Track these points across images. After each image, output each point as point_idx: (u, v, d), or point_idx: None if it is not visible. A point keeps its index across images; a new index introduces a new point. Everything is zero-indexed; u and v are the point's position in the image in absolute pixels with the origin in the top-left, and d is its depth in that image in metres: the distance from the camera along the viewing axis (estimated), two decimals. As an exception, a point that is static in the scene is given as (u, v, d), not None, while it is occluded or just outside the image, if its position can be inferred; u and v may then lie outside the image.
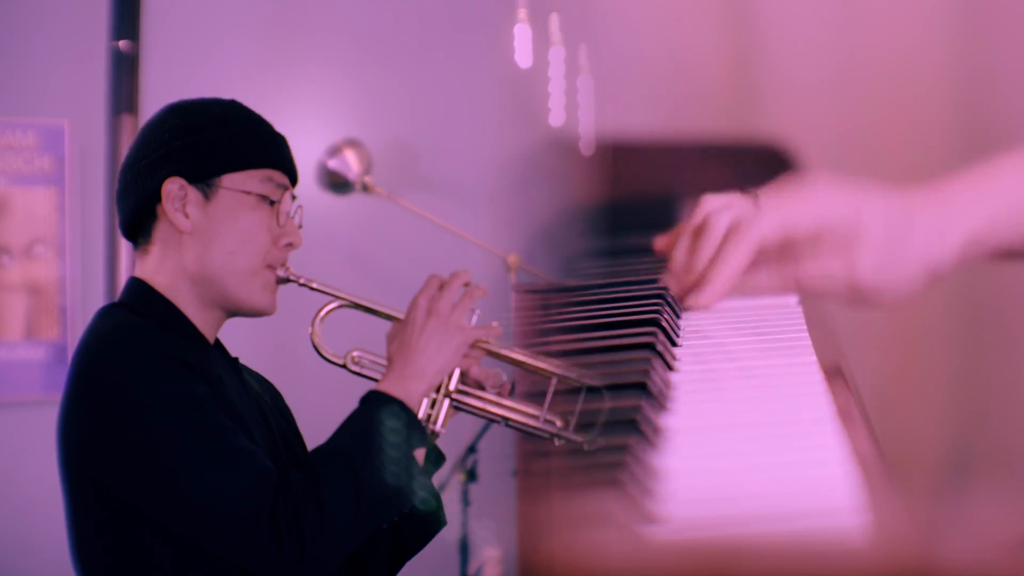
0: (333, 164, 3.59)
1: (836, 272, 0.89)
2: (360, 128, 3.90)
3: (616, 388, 0.74)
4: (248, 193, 1.70)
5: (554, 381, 1.66)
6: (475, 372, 1.71)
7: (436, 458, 1.77)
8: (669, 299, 1.06)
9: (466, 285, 1.72)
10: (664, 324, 0.86)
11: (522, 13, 3.44)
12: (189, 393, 1.58)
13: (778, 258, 0.91)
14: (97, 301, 3.66)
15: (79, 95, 3.67)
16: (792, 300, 0.99)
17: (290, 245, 1.73)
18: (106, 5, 3.20)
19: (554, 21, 3.57)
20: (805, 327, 0.93)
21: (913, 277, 0.90)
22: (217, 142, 1.71)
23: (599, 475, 0.60)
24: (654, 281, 1.18)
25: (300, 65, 3.97)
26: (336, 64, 4.02)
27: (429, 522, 1.81)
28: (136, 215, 1.73)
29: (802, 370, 0.76)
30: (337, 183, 3.58)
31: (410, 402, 1.66)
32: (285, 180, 1.75)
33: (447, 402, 1.69)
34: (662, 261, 1.17)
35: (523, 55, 3.48)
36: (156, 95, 3.15)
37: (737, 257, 0.90)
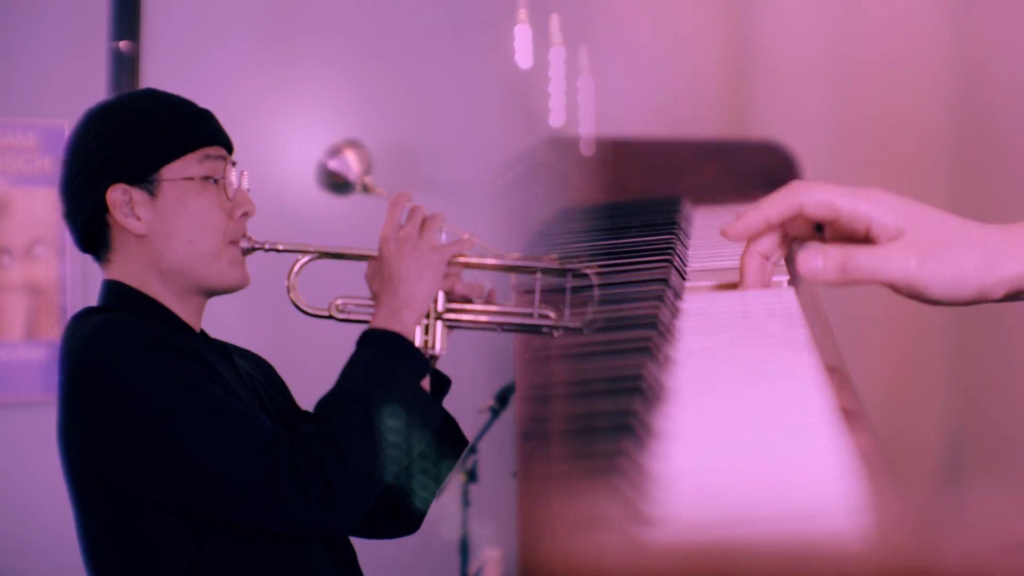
0: (333, 164, 3.59)
1: (884, 264, 0.90)
2: (360, 128, 3.91)
3: (613, 390, 0.74)
4: (191, 179, 1.70)
5: (539, 275, 1.68)
6: (459, 288, 1.72)
7: (441, 383, 1.77)
8: (666, 299, 1.06)
9: (423, 216, 1.73)
10: (663, 325, 0.86)
11: (522, 13, 3.44)
12: (183, 373, 1.58)
13: (835, 245, 0.92)
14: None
15: (79, 96, 3.67)
16: (791, 299, 0.99)
17: (245, 215, 1.74)
18: (106, 6, 3.20)
19: (554, 21, 3.57)
20: (804, 326, 0.93)
21: (960, 284, 0.91)
22: (147, 137, 1.70)
23: (599, 476, 0.60)
24: (651, 281, 1.18)
25: (300, 65, 3.97)
26: (336, 64, 4.02)
27: (450, 435, 1.81)
28: (88, 230, 1.72)
29: (801, 369, 0.76)
30: (337, 183, 3.58)
31: (406, 332, 1.67)
32: (222, 151, 1.75)
33: (439, 324, 1.70)
34: (660, 261, 1.17)
35: (523, 55, 3.48)
36: (156, 95, 3.15)
37: (771, 203, 0.94)
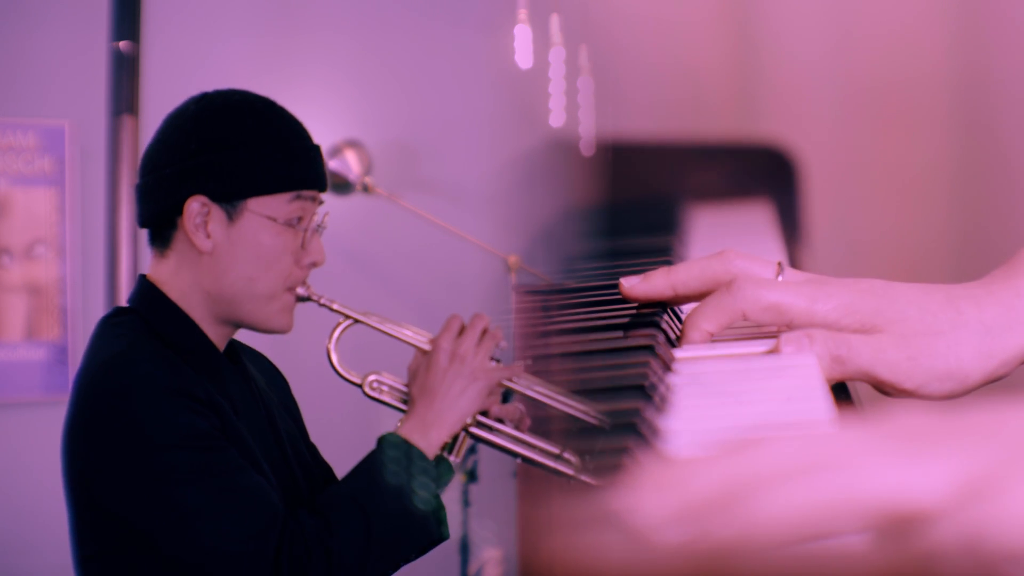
0: (334, 165, 3.59)
1: (879, 357, 0.76)
2: (360, 129, 3.91)
3: (615, 390, 0.74)
4: (274, 219, 1.66)
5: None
6: (495, 410, 1.70)
7: (447, 473, 1.75)
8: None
9: (484, 330, 1.70)
10: (664, 326, 0.86)
11: (522, 14, 3.44)
12: (197, 430, 1.54)
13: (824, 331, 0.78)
14: (98, 302, 3.66)
15: (79, 96, 3.68)
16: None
17: (313, 264, 1.70)
18: (106, 6, 3.20)
19: (554, 22, 3.57)
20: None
21: (960, 379, 0.77)
22: (247, 162, 1.64)
23: (599, 476, 0.60)
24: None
25: (300, 65, 3.97)
26: (336, 64, 4.02)
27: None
28: (156, 222, 1.68)
29: (801, 369, 0.76)
30: (337, 184, 3.58)
31: (430, 450, 1.65)
32: (314, 194, 1.71)
33: (463, 435, 1.69)
34: (663, 261, 1.17)
35: (523, 55, 3.48)
36: (156, 96, 3.15)
37: (707, 312, 0.80)
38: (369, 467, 1.65)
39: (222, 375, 1.66)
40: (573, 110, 3.58)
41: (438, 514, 1.69)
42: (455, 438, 1.69)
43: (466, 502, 3.33)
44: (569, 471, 1.62)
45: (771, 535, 0.43)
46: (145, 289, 1.68)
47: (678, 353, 0.82)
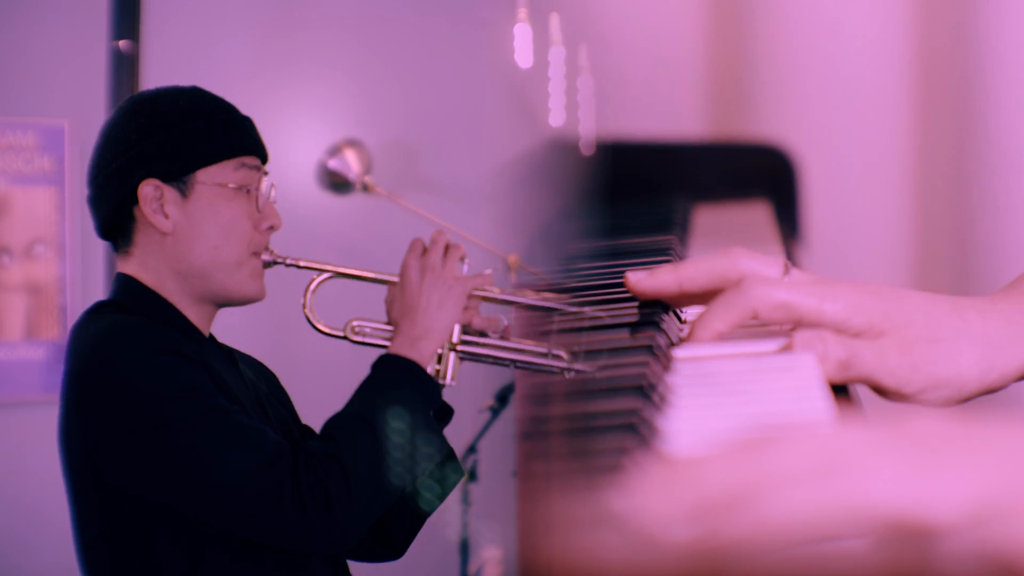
0: (333, 164, 3.59)
1: (881, 364, 0.76)
2: (360, 128, 3.91)
3: (616, 390, 0.74)
4: (225, 186, 1.69)
5: (556, 317, 1.69)
6: (476, 322, 1.72)
7: (444, 411, 1.77)
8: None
9: (447, 245, 1.73)
10: (664, 326, 0.86)
11: (522, 13, 3.44)
12: (190, 382, 1.57)
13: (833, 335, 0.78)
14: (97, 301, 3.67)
15: (79, 95, 3.68)
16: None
17: (272, 228, 1.73)
18: (106, 5, 3.20)
19: (554, 21, 3.57)
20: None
21: (959, 386, 0.77)
22: (188, 137, 1.69)
23: (599, 476, 0.60)
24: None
25: (300, 64, 3.97)
26: (336, 64, 4.02)
27: (447, 478, 1.81)
28: (113, 219, 1.71)
29: (801, 370, 0.76)
30: (337, 183, 3.58)
31: (422, 361, 1.67)
32: (257, 161, 1.75)
33: (452, 355, 1.70)
34: (663, 261, 1.17)
35: (523, 55, 3.48)
36: (156, 95, 3.15)
37: (718, 310, 0.80)
38: (367, 387, 1.67)
39: (209, 355, 1.67)
40: (573, 109, 3.58)
41: (440, 425, 1.71)
42: (443, 361, 1.70)
43: (466, 502, 3.33)
44: (563, 364, 1.65)
45: (781, 535, 0.43)
46: (122, 282, 1.71)
47: (679, 352, 0.82)
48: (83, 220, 3.68)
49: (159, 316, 1.67)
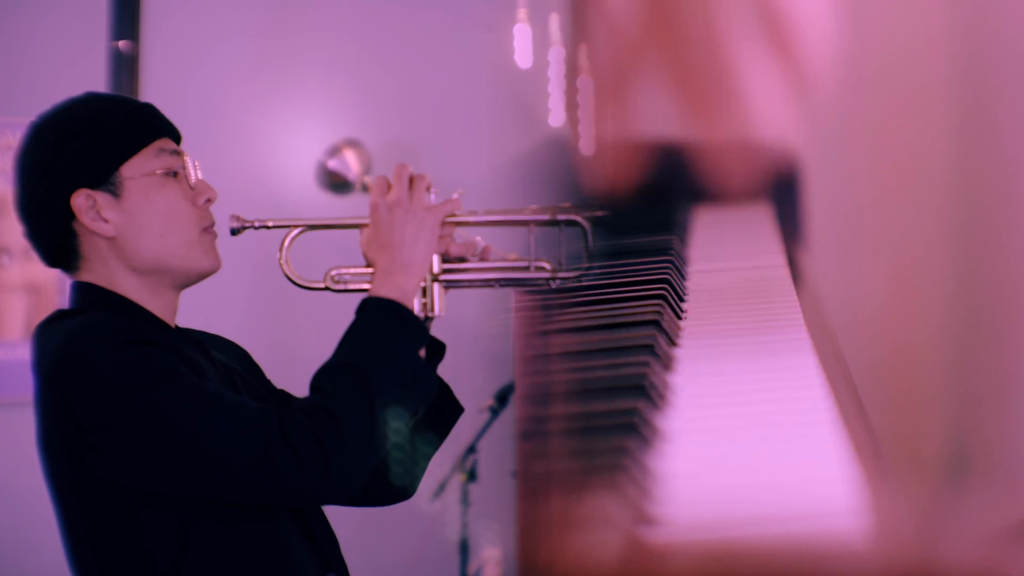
0: (333, 164, 3.59)
1: None
2: (360, 128, 3.91)
3: (616, 390, 0.74)
4: (153, 174, 1.69)
5: (531, 228, 1.69)
6: (454, 249, 1.72)
7: (437, 348, 1.76)
8: (670, 301, 1.06)
9: (411, 177, 1.73)
10: (664, 326, 0.86)
11: (522, 13, 3.44)
12: (164, 367, 1.57)
13: None
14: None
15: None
16: (790, 297, 0.99)
17: (209, 201, 1.73)
18: (106, 6, 3.20)
19: (554, 21, 3.58)
20: (804, 326, 0.93)
21: None
22: (101, 138, 1.69)
23: (599, 476, 0.60)
24: (654, 282, 1.18)
25: (300, 65, 3.97)
26: (336, 64, 4.02)
27: (446, 410, 1.80)
28: (56, 242, 1.71)
29: (801, 370, 0.76)
30: (337, 183, 3.58)
31: (405, 298, 1.67)
32: (172, 144, 1.75)
33: (437, 286, 1.70)
34: (663, 261, 1.17)
35: (523, 55, 3.48)
36: (156, 95, 3.16)
37: None
38: (350, 332, 1.67)
39: (179, 344, 1.68)
40: (572, 110, 3.58)
41: (433, 361, 1.70)
42: (427, 293, 1.70)
43: (466, 502, 3.33)
44: (547, 275, 1.66)
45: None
46: (80, 288, 1.71)
47: (679, 352, 0.82)
48: (83, 220, 3.69)
49: (123, 313, 1.67)
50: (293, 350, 3.43)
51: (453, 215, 1.71)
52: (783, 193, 2.07)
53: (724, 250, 1.30)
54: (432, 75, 4.10)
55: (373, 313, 1.65)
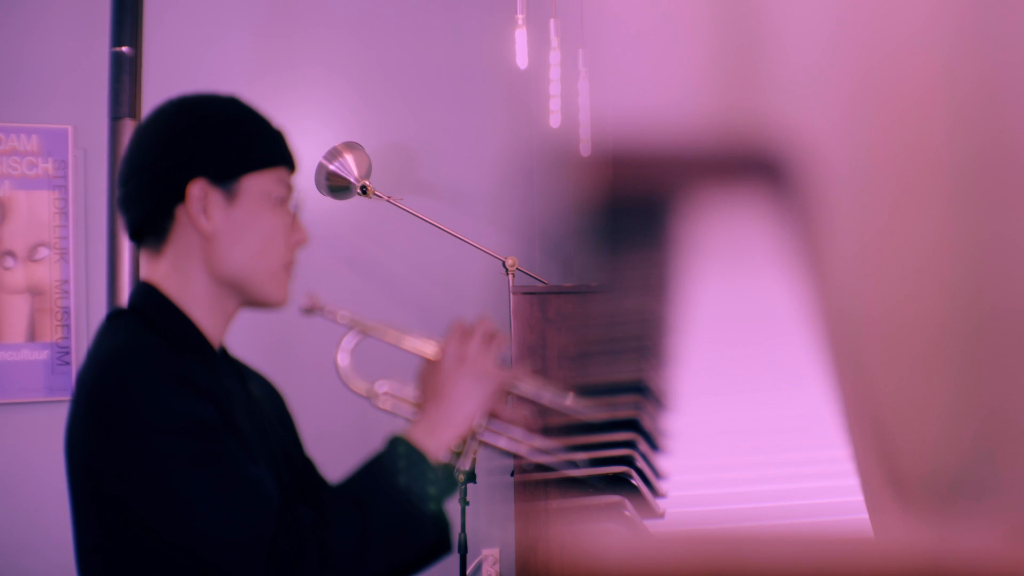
0: (333, 167, 3.61)
1: None
2: (360, 132, 3.92)
3: (619, 386, 0.76)
4: (268, 195, 1.71)
5: (577, 420, 1.68)
6: (505, 413, 1.72)
7: (450, 485, 1.76)
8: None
9: (491, 335, 1.72)
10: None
11: (521, 17, 3.46)
12: (197, 417, 1.56)
13: None
14: (99, 303, 3.68)
15: (81, 100, 3.70)
16: (797, 307, 1.00)
17: (299, 243, 1.74)
18: (107, 11, 3.21)
19: (553, 25, 3.59)
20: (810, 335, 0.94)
21: None
22: (237, 142, 1.69)
23: (598, 477, 0.62)
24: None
25: (300, 69, 3.99)
26: (336, 68, 4.04)
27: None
28: (152, 218, 1.71)
29: (807, 380, 0.78)
30: (337, 186, 3.59)
31: (438, 452, 1.66)
32: (289, 177, 1.76)
33: (473, 444, 1.71)
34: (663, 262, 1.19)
35: (522, 59, 3.50)
36: (157, 99, 3.17)
37: None
38: (371, 466, 1.66)
39: (219, 370, 1.68)
40: (571, 112, 3.59)
41: (440, 519, 1.70)
42: (463, 443, 1.70)
43: (465, 501, 3.34)
44: (580, 473, 1.65)
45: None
46: (142, 290, 1.71)
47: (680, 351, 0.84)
48: (86, 223, 3.70)
49: (174, 329, 1.67)
50: (293, 350, 3.45)
51: (513, 385, 1.72)
52: (783, 193, 2.09)
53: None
54: (431, 79, 4.11)
55: (399, 456, 1.65)
